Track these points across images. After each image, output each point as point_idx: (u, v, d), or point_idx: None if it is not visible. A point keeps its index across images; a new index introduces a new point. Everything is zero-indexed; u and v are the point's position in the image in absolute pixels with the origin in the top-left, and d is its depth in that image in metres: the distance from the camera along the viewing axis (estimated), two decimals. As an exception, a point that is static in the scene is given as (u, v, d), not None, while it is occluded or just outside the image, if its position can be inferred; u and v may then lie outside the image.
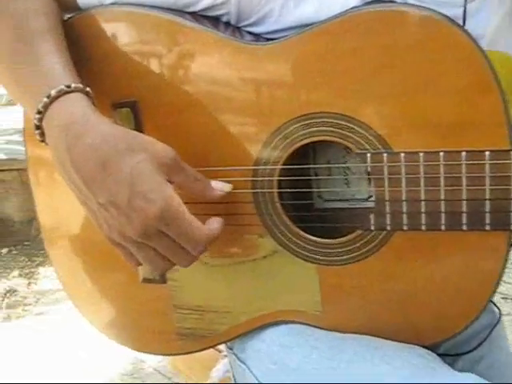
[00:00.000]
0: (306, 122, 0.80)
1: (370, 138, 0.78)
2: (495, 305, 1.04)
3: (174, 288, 0.95)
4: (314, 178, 0.91)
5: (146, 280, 0.96)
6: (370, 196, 0.92)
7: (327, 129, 0.80)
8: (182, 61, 0.86)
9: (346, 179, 0.93)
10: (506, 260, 0.78)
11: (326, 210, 0.94)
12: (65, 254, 1.03)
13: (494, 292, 0.79)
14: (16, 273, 3.43)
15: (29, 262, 3.53)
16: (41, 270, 3.43)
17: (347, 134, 0.79)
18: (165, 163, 0.74)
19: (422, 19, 0.75)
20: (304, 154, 0.91)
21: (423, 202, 0.77)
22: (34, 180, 1.02)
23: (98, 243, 0.93)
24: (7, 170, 3.65)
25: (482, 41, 0.80)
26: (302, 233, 0.84)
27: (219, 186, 0.82)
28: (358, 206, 0.94)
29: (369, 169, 0.78)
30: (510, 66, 0.88)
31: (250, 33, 0.89)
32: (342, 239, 0.83)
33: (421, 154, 0.76)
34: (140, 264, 0.80)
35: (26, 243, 3.70)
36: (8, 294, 3.18)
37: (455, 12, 0.81)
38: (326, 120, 0.80)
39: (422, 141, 0.77)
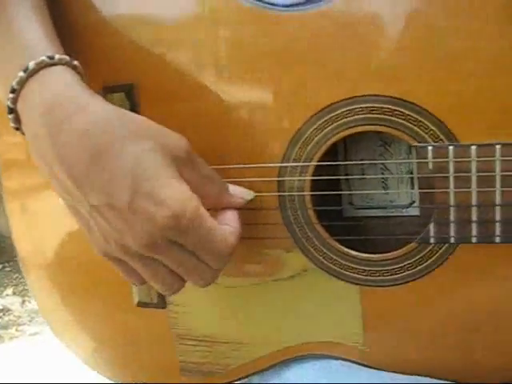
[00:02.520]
0: (348, 108, 0.64)
1: (430, 127, 0.62)
2: None
3: (176, 314, 0.78)
4: (346, 178, 0.74)
5: (142, 304, 0.79)
6: (413, 202, 0.76)
7: (375, 116, 0.63)
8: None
9: (383, 181, 0.76)
10: None
11: (357, 219, 0.78)
12: (43, 280, 0.86)
13: None
14: (10, 291, 3.29)
15: (22, 279, 3.34)
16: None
17: (401, 122, 0.63)
18: (176, 155, 0.57)
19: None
20: (332, 152, 0.75)
21: (498, 208, 0.61)
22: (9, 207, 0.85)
23: (82, 264, 0.78)
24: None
25: None
26: (340, 247, 0.68)
27: (239, 192, 0.65)
28: (397, 215, 0.77)
29: (430, 166, 0.62)
30: None
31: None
32: (389, 254, 0.67)
33: (497, 147, 0.60)
34: (144, 283, 0.63)
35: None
36: (1, 314, 3.03)
37: None
38: (373, 105, 0.63)
39: (497, 131, 0.60)
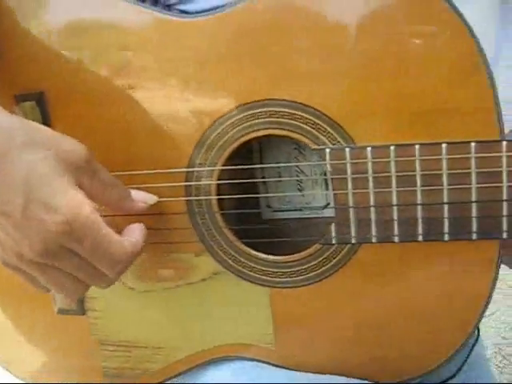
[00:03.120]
0: (249, 112, 0.65)
1: (328, 131, 0.63)
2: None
3: (95, 320, 0.78)
4: (261, 180, 0.75)
5: (62, 311, 0.79)
6: (328, 203, 0.77)
7: (274, 120, 0.64)
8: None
9: (298, 184, 0.77)
10: (497, 274, 0.63)
11: (274, 222, 0.79)
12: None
13: (484, 312, 0.65)
14: None
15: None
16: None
17: (300, 125, 0.64)
18: (73, 163, 0.57)
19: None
20: (248, 155, 0.76)
21: (396, 208, 0.62)
22: None
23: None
24: None
25: None
26: (248, 249, 0.68)
27: (141, 197, 0.66)
28: (313, 216, 0.78)
29: (328, 168, 0.63)
30: None
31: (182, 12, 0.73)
32: (296, 256, 0.67)
33: (391, 148, 0.61)
34: (49, 290, 0.63)
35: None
36: None
37: None
38: (272, 109, 0.64)
39: (392, 132, 0.62)
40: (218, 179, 0.68)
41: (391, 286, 0.66)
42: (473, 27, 0.60)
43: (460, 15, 0.58)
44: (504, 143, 0.59)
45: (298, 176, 0.77)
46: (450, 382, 0.81)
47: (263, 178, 0.77)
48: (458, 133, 0.61)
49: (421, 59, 0.60)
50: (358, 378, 0.70)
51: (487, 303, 0.64)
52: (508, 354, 2.31)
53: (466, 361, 0.82)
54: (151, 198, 0.67)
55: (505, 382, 2.13)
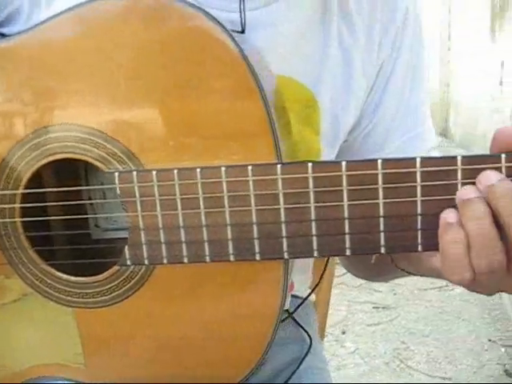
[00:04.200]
0: (46, 136, 0.66)
1: (118, 155, 0.64)
2: (307, 333, 0.91)
3: None
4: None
5: None
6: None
7: (70, 144, 0.66)
8: None
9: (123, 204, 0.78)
10: (285, 292, 0.65)
11: (104, 242, 0.80)
12: None
13: (275, 330, 0.66)
14: None
15: None
16: None
17: (93, 149, 0.65)
18: None
19: (182, 14, 0.62)
20: (75, 175, 0.77)
21: (182, 229, 0.64)
22: None
23: None
24: None
25: (264, 56, 0.72)
26: (52, 270, 0.69)
27: None
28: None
29: (118, 191, 0.64)
30: (297, 92, 0.77)
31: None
32: (99, 277, 0.68)
33: (175, 172, 0.62)
34: None
35: None
36: None
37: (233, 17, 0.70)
38: (67, 134, 0.65)
39: (177, 155, 0.63)
40: (23, 201, 0.68)
41: (186, 306, 0.68)
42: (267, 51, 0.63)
43: (233, 41, 0.60)
44: (278, 166, 0.61)
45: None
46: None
47: (90, 198, 0.78)
48: (239, 156, 0.62)
49: (199, 88, 0.62)
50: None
51: (276, 323, 0.66)
52: (405, 358, 2.36)
53: (294, 373, 0.84)
54: None
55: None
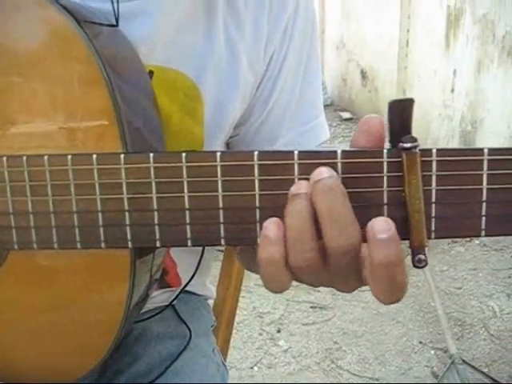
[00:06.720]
0: None
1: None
2: (188, 327, 0.92)
3: None
4: None
5: None
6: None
7: None
8: None
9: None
10: (134, 284, 0.66)
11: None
12: None
13: (126, 317, 0.67)
14: None
15: None
16: None
17: None
18: None
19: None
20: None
21: (31, 215, 0.64)
22: None
23: None
24: None
25: (142, 47, 0.73)
26: None
27: None
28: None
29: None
30: (179, 82, 0.78)
31: None
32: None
33: (24, 158, 0.63)
34: None
35: None
36: None
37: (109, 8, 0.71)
38: None
39: (29, 143, 0.64)
40: None
41: (39, 294, 0.68)
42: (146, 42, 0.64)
43: (81, 28, 0.61)
44: (122, 156, 0.62)
45: None
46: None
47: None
48: (90, 144, 0.63)
49: (47, 74, 0.63)
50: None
51: (127, 310, 0.67)
52: (336, 358, 2.38)
53: (168, 368, 0.85)
54: None
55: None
